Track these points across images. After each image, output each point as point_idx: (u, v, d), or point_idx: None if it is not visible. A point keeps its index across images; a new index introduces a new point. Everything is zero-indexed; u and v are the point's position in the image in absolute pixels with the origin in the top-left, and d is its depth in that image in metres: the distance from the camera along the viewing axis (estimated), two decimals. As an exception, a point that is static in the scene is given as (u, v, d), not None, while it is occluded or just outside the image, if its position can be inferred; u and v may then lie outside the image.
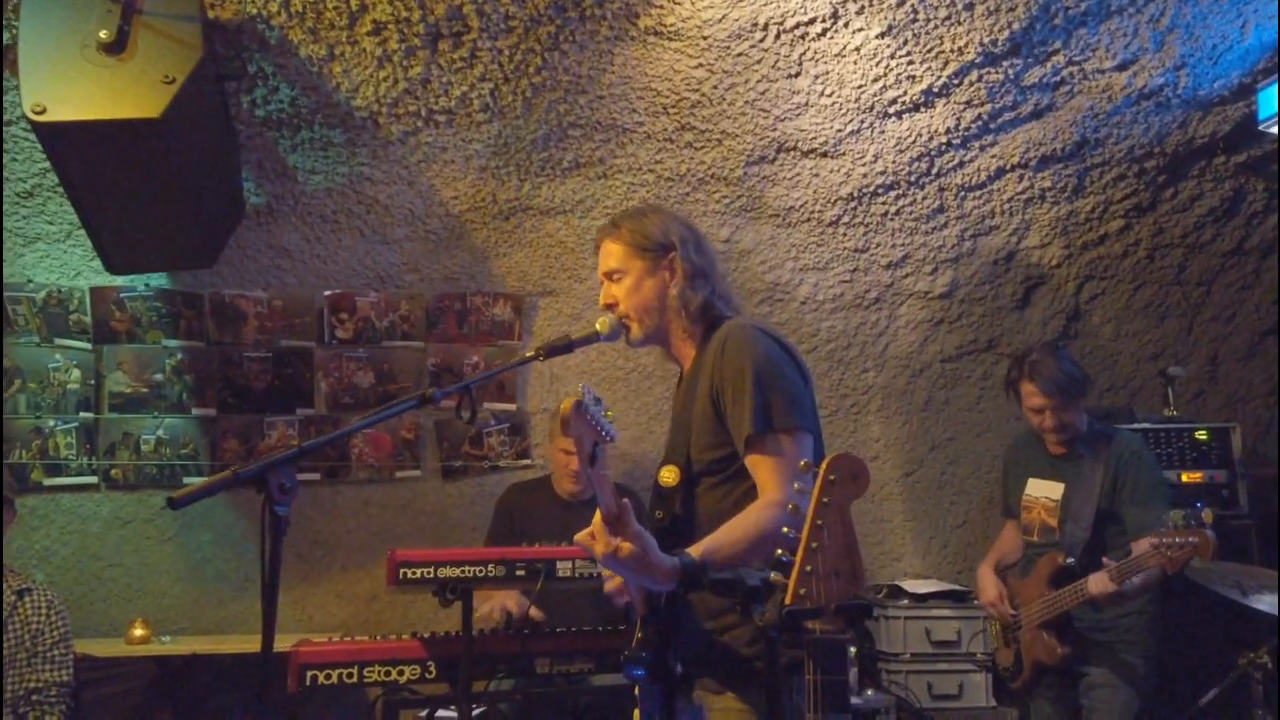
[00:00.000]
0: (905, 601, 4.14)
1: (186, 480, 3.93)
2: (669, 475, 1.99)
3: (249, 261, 3.81)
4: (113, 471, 3.84)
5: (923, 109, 3.63)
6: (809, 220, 4.10)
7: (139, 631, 3.55)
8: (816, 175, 3.91)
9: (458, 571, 2.72)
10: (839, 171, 3.89)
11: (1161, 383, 4.32)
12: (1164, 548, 2.66)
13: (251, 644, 3.52)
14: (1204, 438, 4.05)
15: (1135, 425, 4.09)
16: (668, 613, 1.79)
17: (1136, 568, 2.75)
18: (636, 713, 1.70)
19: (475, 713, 3.37)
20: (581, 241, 3.99)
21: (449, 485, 4.17)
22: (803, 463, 1.44)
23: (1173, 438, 4.06)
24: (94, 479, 3.82)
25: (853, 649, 3.89)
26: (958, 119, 3.69)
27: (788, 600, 1.24)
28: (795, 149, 3.79)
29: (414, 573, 2.69)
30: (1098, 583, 2.84)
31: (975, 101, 3.62)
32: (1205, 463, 4.03)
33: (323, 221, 3.75)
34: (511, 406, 4.20)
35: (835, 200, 4.02)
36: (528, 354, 2.17)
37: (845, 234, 4.17)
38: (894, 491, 4.70)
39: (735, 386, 1.83)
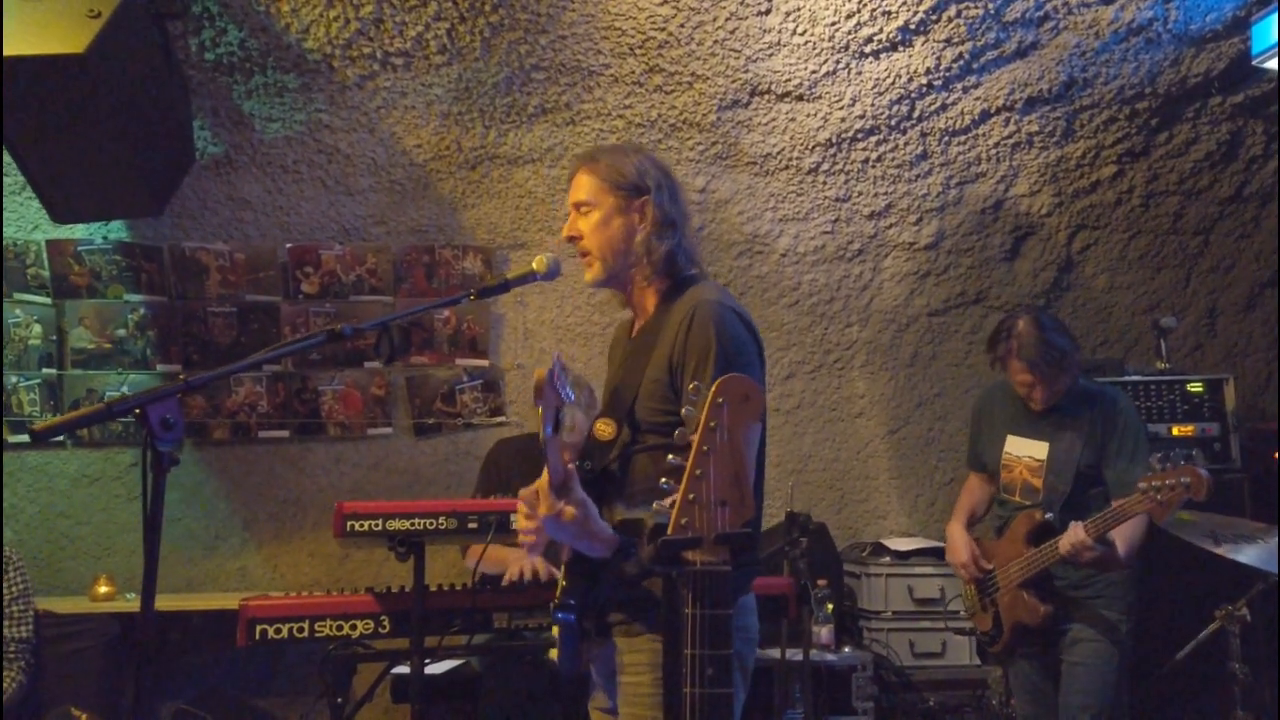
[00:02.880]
0: (887, 559, 4.06)
1: (153, 438, 3.87)
2: (606, 429, 1.91)
3: (209, 214, 3.72)
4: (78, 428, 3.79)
5: (900, 48, 3.49)
6: (787, 168, 3.97)
7: (103, 589, 3.52)
8: (793, 120, 3.78)
9: (407, 524, 2.64)
10: (816, 116, 3.76)
11: (1154, 334, 4.18)
12: (1153, 491, 2.48)
13: (219, 601, 3.48)
14: (1197, 390, 3.93)
15: (1126, 378, 3.97)
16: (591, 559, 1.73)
17: (1121, 516, 2.60)
18: (553, 652, 1.64)
19: (447, 667, 3.34)
20: (552, 192, 3.88)
21: (422, 443, 4.10)
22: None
23: (1164, 390, 3.93)
24: (60, 436, 3.77)
25: (829, 605, 3.81)
26: (937, 58, 3.54)
27: (669, 531, 1.15)
28: (769, 92, 3.65)
29: (362, 525, 2.62)
30: (1070, 536, 2.71)
31: (955, 39, 3.47)
32: (1198, 416, 3.90)
33: (283, 172, 3.66)
34: (484, 363, 4.11)
35: (813, 146, 3.89)
36: (464, 295, 2.09)
37: (825, 182, 4.04)
38: (879, 449, 4.60)
39: (700, 364, 1.74)
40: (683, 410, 1.23)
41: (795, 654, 3.42)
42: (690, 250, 2.01)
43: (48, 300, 3.70)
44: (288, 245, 3.80)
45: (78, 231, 3.60)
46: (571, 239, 1.98)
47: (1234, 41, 3.55)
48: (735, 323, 1.81)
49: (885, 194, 4.11)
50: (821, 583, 3.77)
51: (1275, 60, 3.29)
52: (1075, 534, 2.67)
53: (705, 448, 1.17)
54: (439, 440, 4.11)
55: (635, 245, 1.93)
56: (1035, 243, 4.41)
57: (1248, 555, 2.39)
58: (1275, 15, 3.26)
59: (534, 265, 2.08)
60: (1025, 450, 3.10)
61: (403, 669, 3.17)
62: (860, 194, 4.10)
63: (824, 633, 3.69)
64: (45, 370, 3.74)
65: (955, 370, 4.61)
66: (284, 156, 3.61)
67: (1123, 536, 2.72)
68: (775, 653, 3.46)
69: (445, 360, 4.05)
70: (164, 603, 3.63)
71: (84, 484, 3.86)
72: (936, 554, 4.04)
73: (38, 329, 3.71)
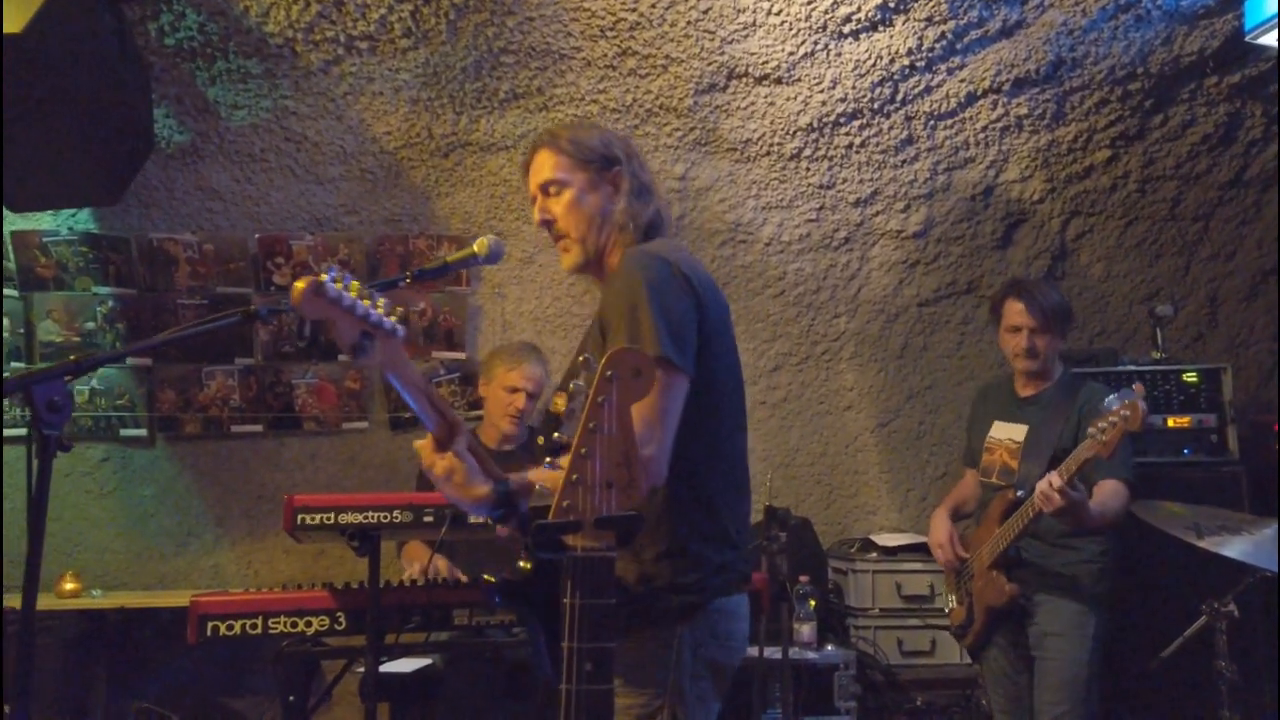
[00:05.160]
0: (874, 555, 3.96)
1: (124, 433, 3.82)
2: (559, 401, 1.83)
3: (177, 204, 3.66)
4: (47, 423, 3.73)
5: (880, 27, 3.39)
6: (768, 154, 3.87)
7: (69, 585, 3.46)
8: (772, 104, 3.68)
9: (359, 517, 2.57)
10: (796, 99, 3.66)
11: (1150, 323, 4.05)
12: (1097, 433, 2.50)
13: (188, 599, 3.41)
14: (1193, 380, 3.80)
15: (1120, 368, 3.84)
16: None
17: (1076, 460, 2.58)
18: None
19: (415, 665, 3.26)
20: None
21: (398, 437, 4.03)
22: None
23: (1160, 380, 3.81)
24: (26, 430, 3.72)
25: (812, 602, 3.71)
26: (919, 38, 3.43)
27: (551, 514, 1.06)
28: (747, 75, 3.56)
29: (313, 519, 2.55)
30: (1042, 483, 2.63)
31: (937, 18, 3.36)
32: (1194, 406, 3.77)
33: (251, 160, 3.59)
34: (461, 355, 4.03)
35: (794, 131, 3.78)
36: (401, 278, 2.01)
37: (808, 169, 3.94)
38: (869, 443, 4.49)
39: (616, 314, 1.63)
40: (570, 385, 1.14)
41: (775, 652, 3.32)
42: (667, 218, 1.91)
43: (15, 293, 3.65)
44: (257, 236, 3.73)
45: (44, 223, 3.54)
46: (545, 224, 1.86)
47: (1227, 18, 3.42)
48: (660, 266, 1.66)
49: (871, 180, 4.01)
50: (803, 579, 3.68)
51: (1271, 35, 3.17)
52: (1047, 480, 2.62)
53: (592, 425, 1.08)
54: (415, 434, 4.02)
55: (616, 217, 1.81)
56: (1028, 230, 4.29)
57: (1234, 549, 2.28)
58: (1269, -11, 3.13)
59: (475, 248, 1.99)
60: (1007, 434, 3.08)
61: (396, 667, 3.11)
62: (845, 180, 4.00)
63: (806, 630, 3.59)
64: (15, 364, 3.68)
65: (947, 362, 4.49)
66: (251, 144, 3.54)
67: (1097, 499, 2.70)
68: (754, 651, 3.37)
69: (421, 353, 3.97)
70: (133, 599, 3.58)
71: (54, 479, 3.79)
72: (926, 550, 3.91)
73: (5, 322, 3.66)
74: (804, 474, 4.45)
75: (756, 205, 4.05)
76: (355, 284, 1.32)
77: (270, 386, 3.85)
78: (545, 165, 1.83)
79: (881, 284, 4.31)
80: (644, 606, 1.63)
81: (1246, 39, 3.19)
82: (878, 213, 4.12)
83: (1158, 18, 3.41)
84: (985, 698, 3.39)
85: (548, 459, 1.20)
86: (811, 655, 3.54)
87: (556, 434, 1.12)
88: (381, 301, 1.37)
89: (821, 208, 4.09)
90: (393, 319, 1.39)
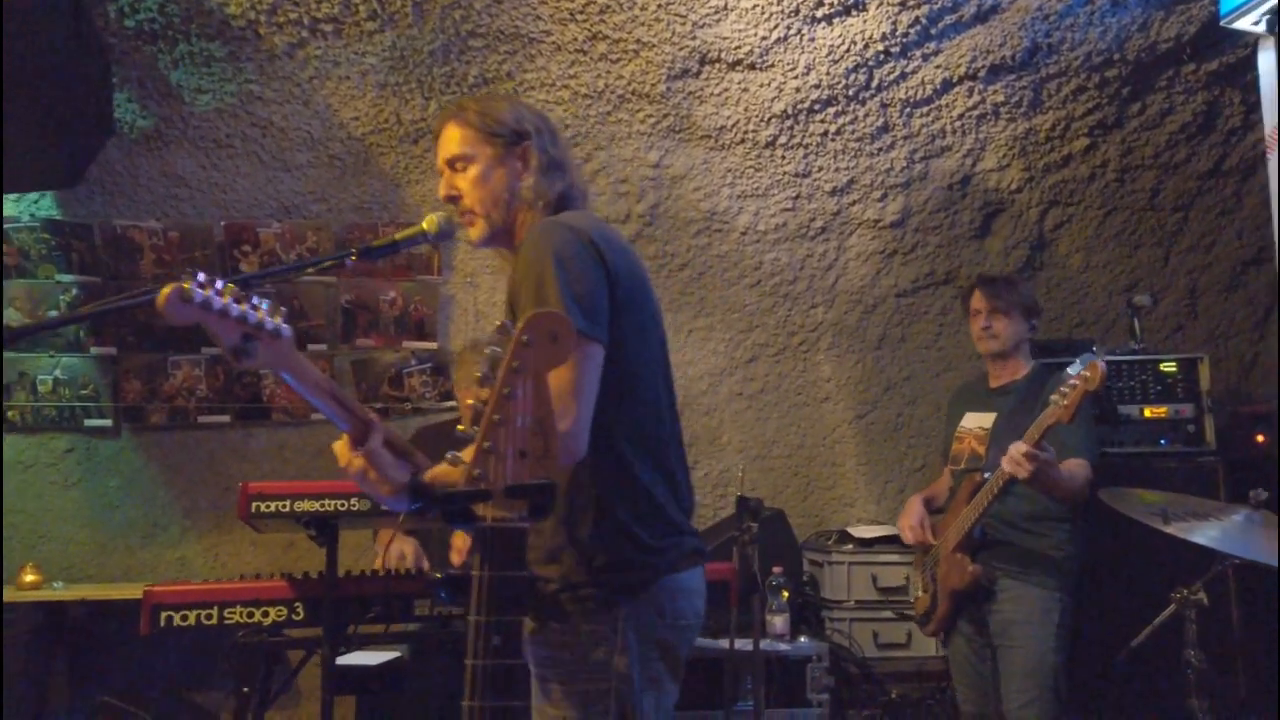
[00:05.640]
0: (850, 546, 3.92)
1: (89, 424, 3.76)
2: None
3: (141, 190, 3.60)
4: (10, 413, 3.67)
5: (854, 12, 3.34)
6: (743, 141, 3.83)
7: (30, 577, 3.40)
8: (746, 90, 3.63)
9: (316, 505, 2.52)
10: (770, 86, 3.61)
11: (1128, 313, 4.02)
12: (1059, 398, 2.53)
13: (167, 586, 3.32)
14: (1170, 370, 3.76)
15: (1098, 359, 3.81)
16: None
17: (1040, 425, 2.58)
18: None
19: (382, 659, 3.21)
20: (498, 167, 3.74)
21: (369, 428, 3.97)
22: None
23: (1136, 370, 3.78)
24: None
25: (785, 593, 3.67)
26: (893, 23, 3.39)
27: (461, 482, 1.02)
28: (720, 60, 3.51)
29: (268, 506, 2.50)
30: (1012, 449, 2.61)
31: (910, 3, 3.32)
32: (1171, 396, 3.74)
33: (216, 146, 3.54)
34: (433, 345, 3.98)
35: (769, 119, 3.74)
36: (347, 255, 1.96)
37: (784, 156, 3.90)
38: (846, 434, 4.45)
39: (524, 286, 1.60)
40: (486, 349, 1.09)
41: (747, 644, 3.28)
42: (584, 191, 1.88)
43: (-24, 281, 3.59)
44: (223, 223, 3.67)
45: (5, 208, 3.48)
46: (450, 199, 1.83)
47: (1203, 4, 3.39)
48: (566, 234, 1.61)
49: (847, 169, 3.97)
50: (776, 570, 3.64)
51: (1247, 19, 3.13)
52: (1013, 445, 2.62)
53: (506, 390, 1.03)
54: (386, 425, 3.97)
55: (523, 193, 1.77)
56: (1006, 220, 4.26)
57: (1201, 535, 2.25)
58: (1245, -29, 3.09)
59: (424, 225, 1.94)
60: (976, 422, 3.11)
61: (344, 660, 3.05)
62: (821, 169, 3.96)
63: (778, 622, 3.56)
64: (-24, 353, 3.62)
65: (925, 353, 4.46)
66: (216, 130, 3.49)
67: (1064, 469, 2.71)
68: (725, 643, 3.33)
69: (392, 343, 3.93)
70: (98, 592, 3.52)
71: (17, 470, 3.74)
72: (902, 541, 3.90)
73: (-33, 310, 3.60)
74: (781, 466, 4.42)
75: (732, 194, 4.01)
76: (230, 286, 1.32)
77: (238, 376, 3.80)
78: (452, 139, 1.80)
79: (859, 274, 4.28)
80: (583, 590, 1.59)
81: (1222, 24, 3.15)
82: (854, 202, 4.08)
83: (1134, 3, 3.38)
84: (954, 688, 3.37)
85: (449, 454, 1.17)
86: (784, 647, 3.50)
87: (471, 401, 1.08)
88: (264, 303, 1.36)
89: (798, 196, 4.05)
90: (276, 319, 1.37)
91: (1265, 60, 3.13)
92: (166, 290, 1.26)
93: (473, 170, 1.79)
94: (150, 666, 3.71)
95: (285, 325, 1.49)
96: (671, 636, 1.63)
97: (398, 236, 1.99)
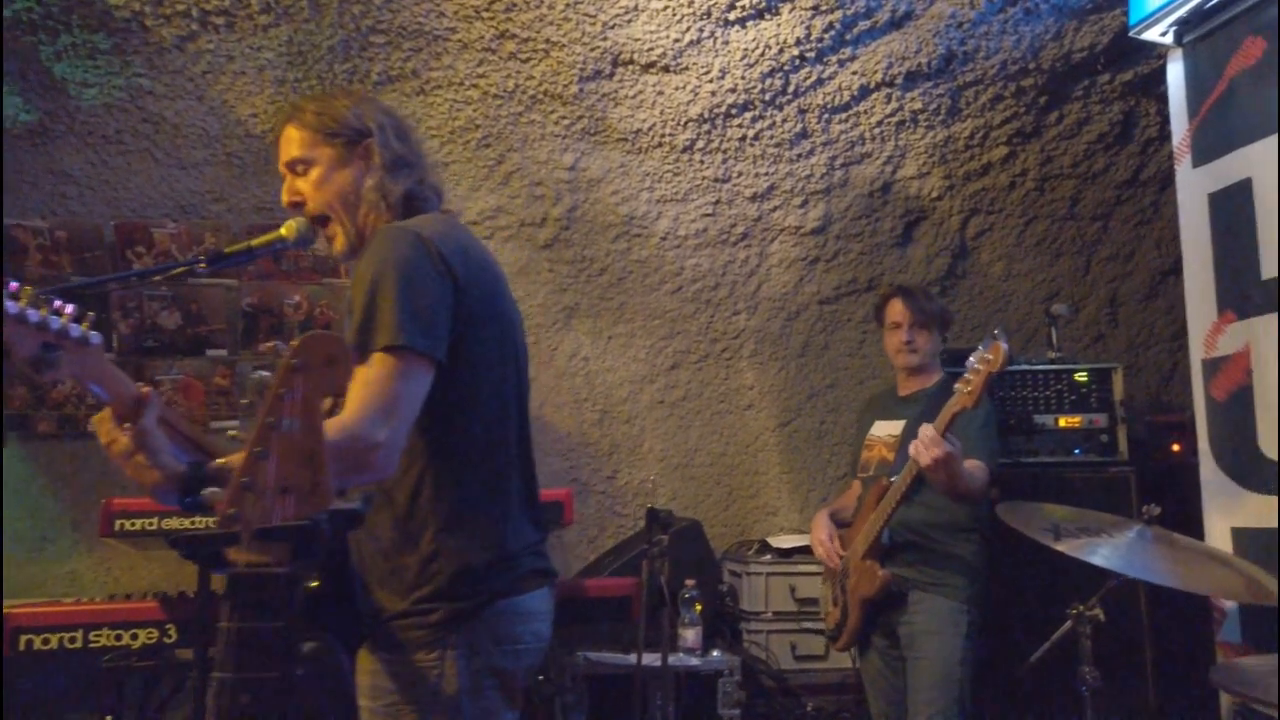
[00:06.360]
0: (768, 557, 3.87)
1: (-28, 431, 3.57)
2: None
3: (26, 187, 3.43)
4: (-116, 421, 3.48)
5: (767, 15, 3.29)
6: (660, 145, 3.76)
7: (-100, 595, 3.21)
8: (661, 93, 3.56)
9: (187, 522, 2.40)
10: (685, 89, 3.55)
11: (1046, 322, 4.02)
12: (963, 385, 2.47)
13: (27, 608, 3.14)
14: (1084, 380, 3.76)
15: (1012, 367, 3.80)
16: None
17: (947, 414, 2.53)
18: None
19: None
20: (406, 167, 3.63)
21: (274, 436, 3.83)
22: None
23: (1051, 380, 3.77)
24: None
25: (698, 606, 3.60)
26: (807, 28, 3.34)
27: (216, 521, 0.93)
28: (632, 62, 3.43)
29: (133, 524, 2.38)
30: (920, 436, 2.56)
31: (824, 7, 3.27)
32: (1084, 406, 3.74)
33: (106, 142, 3.38)
34: (341, 350, 3.85)
35: (686, 122, 3.67)
36: (195, 261, 1.85)
37: (702, 161, 3.83)
38: (770, 442, 4.40)
39: (358, 294, 1.52)
40: (253, 375, 1.00)
41: (655, 659, 3.21)
42: (438, 188, 1.79)
43: None
44: (114, 223, 3.51)
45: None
46: (294, 205, 1.74)
47: (1115, 14, 3.39)
48: (407, 247, 1.51)
49: (766, 174, 3.91)
50: (689, 583, 3.57)
51: (1154, 30, 3.12)
52: (922, 429, 2.56)
53: (271, 420, 0.94)
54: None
55: (367, 194, 1.69)
56: (928, 228, 4.24)
57: (1093, 553, 2.21)
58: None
59: (283, 231, 1.84)
60: (885, 430, 3.10)
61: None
62: (740, 174, 3.90)
63: (690, 635, 3.48)
64: None
65: (849, 360, 4.42)
66: (105, 125, 3.33)
67: (966, 466, 2.67)
68: (631, 658, 3.25)
69: (297, 348, 3.78)
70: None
71: (-107, 481, 3.55)
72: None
73: None
74: (703, 474, 4.35)
75: (651, 198, 3.93)
76: (28, 289, 1.21)
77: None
78: (290, 142, 1.71)
79: (782, 281, 4.23)
80: (414, 618, 1.51)
81: (1130, 34, 3.14)
82: (775, 208, 4.03)
83: (1046, 12, 3.36)
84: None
85: (229, 431, 1.07)
86: (695, 662, 3.43)
87: (232, 433, 0.99)
88: (69, 307, 1.26)
89: (718, 202, 3.99)
90: (84, 326, 1.27)
91: (1174, 72, 3.13)
92: None
93: (314, 173, 1.71)
94: (14, 691, 3.53)
95: (95, 333, 1.40)
96: (508, 663, 1.56)
97: (254, 243, 1.88)
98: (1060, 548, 2.21)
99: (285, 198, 1.76)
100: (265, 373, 0.96)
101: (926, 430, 2.53)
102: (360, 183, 1.69)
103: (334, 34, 3.16)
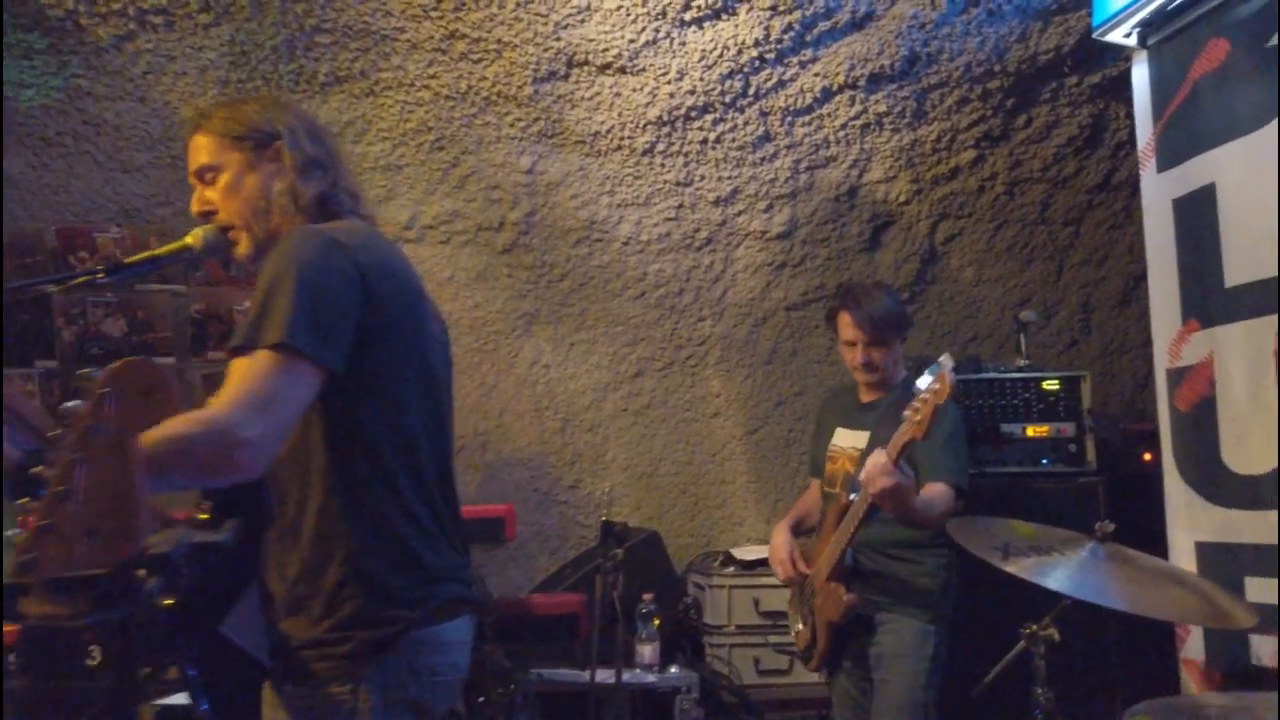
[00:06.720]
0: (732, 569, 3.78)
1: (-91, 441, 3.47)
2: None
3: (-37, 191, 3.34)
4: None
5: (723, 16, 3.21)
6: (619, 148, 3.68)
7: None
8: (618, 95, 3.48)
9: None
10: (643, 91, 3.46)
11: (1014, 329, 3.94)
12: (911, 414, 2.38)
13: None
14: (1053, 388, 3.68)
15: (980, 375, 3.72)
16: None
17: (898, 441, 2.43)
18: None
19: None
20: (358, 169, 3.54)
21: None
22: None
23: (1019, 388, 3.69)
24: None
25: (655, 621, 3.52)
26: (765, 28, 3.26)
27: (8, 570, 0.84)
28: (587, 63, 3.35)
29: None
30: (870, 464, 2.47)
31: (782, 7, 3.19)
32: (1053, 415, 3.66)
33: (46, 145, 3.29)
34: (294, 358, 3.76)
35: (645, 125, 3.59)
36: (95, 271, 1.78)
37: (663, 164, 3.75)
38: (736, 451, 4.32)
39: (256, 295, 1.45)
40: (61, 406, 0.92)
41: (610, 676, 3.12)
42: (354, 191, 1.72)
43: None
44: (55, 227, 3.42)
45: None
46: (204, 214, 1.68)
47: (1080, 15, 3.32)
48: (315, 248, 1.45)
49: (730, 178, 3.83)
50: (647, 597, 3.49)
51: (1118, 32, 3.05)
52: (872, 457, 2.46)
53: (75, 457, 0.86)
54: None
55: (278, 198, 1.62)
56: (896, 232, 4.16)
57: (1050, 578, 2.12)
58: (1116, -15, 3.02)
59: (189, 239, 1.77)
60: (849, 441, 2.97)
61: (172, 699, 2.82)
62: (703, 178, 3.82)
63: (647, 651, 3.40)
64: None
65: (817, 368, 4.35)
66: (44, 127, 3.24)
67: (924, 496, 2.58)
68: (585, 675, 3.17)
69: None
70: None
71: None
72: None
73: None
74: (667, 484, 4.27)
75: (611, 202, 3.85)
76: None
77: (75, 392, 3.54)
78: (198, 149, 1.66)
79: (747, 286, 4.15)
80: (326, 648, 1.44)
81: (1094, 36, 3.07)
82: (739, 212, 3.95)
83: (1010, 13, 3.29)
84: (837, 720, 3.26)
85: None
86: (651, 678, 3.35)
87: (34, 470, 0.90)
88: None
89: (680, 206, 3.90)
90: None
91: (1139, 74, 3.06)
92: None
93: (222, 180, 1.65)
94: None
95: None
96: (425, 695, 1.49)
97: (159, 251, 1.81)
98: (1009, 569, 2.13)
99: (194, 207, 1.72)
100: (75, 402, 0.87)
101: (878, 458, 2.44)
102: (269, 186, 1.63)
103: (277, 33, 3.08)
